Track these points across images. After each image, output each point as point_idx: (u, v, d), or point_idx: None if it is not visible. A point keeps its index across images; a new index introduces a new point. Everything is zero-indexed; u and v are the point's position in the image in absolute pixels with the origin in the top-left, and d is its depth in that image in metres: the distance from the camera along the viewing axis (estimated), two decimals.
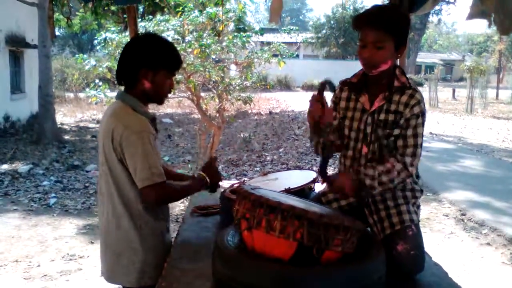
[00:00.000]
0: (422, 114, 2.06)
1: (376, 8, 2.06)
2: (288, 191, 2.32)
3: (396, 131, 2.05)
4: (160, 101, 2.20)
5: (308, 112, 2.05)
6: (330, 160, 2.35)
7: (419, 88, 2.12)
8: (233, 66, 7.45)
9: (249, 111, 16.43)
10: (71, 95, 20.38)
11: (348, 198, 2.22)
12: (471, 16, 3.02)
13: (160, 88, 2.13)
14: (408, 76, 2.16)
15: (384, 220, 2.07)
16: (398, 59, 2.18)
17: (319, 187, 2.65)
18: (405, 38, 2.05)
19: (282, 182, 2.63)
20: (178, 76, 6.19)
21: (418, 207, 2.21)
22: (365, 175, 2.00)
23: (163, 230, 2.22)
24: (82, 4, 12.43)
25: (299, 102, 21.48)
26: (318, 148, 2.22)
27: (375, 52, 1.99)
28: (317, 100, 1.99)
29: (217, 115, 7.31)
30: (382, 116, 2.07)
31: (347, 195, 2.06)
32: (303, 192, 2.44)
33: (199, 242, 2.30)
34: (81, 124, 14.62)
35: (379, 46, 1.98)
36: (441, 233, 5.66)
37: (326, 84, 2.03)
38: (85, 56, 7.15)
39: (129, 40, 2.26)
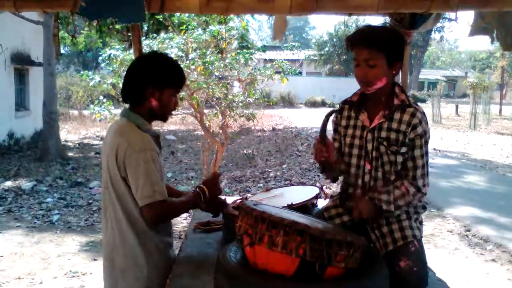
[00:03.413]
0: (425, 132, 2.10)
1: (366, 27, 2.11)
2: (291, 207, 2.32)
3: (403, 149, 2.07)
4: (165, 118, 2.22)
5: (314, 153, 2.12)
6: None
7: (422, 105, 2.16)
8: (236, 83, 7.48)
9: (252, 128, 16.45)
10: (76, 112, 20.48)
11: (351, 213, 2.22)
12: (473, 32, 3.03)
13: (166, 105, 2.15)
14: (410, 93, 2.19)
15: (387, 236, 2.07)
16: (400, 76, 2.21)
17: (322, 203, 2.65)
18: (397, 54, 2.08)
19: (284, 197, 2.63)
20: (181, 93, 6.23)
21: (421, 222, 2.20)
22: (380, 201, 2.02)
23: (167, 246, 2.22)
24: (87, 23, 12.56)
25: (302, 118, 21.53)
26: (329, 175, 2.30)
27: (368, 70, 2.04)
28: (320, 142, 2.05)
29: (220, 131, 7.32)
30: (383, 134, 2.09)
31: (364, 215, 2.06)
32: (305, 208, 2.44)
33: (201, 258, 2.30)
34: (85, 141, 14.66)
35: (371, 64, 2.03)
36: (445, 249, 5.62)
37: (331, 115, 2.08)
38: (90, 72, 7.20)
39: (133, 57, 2.29)
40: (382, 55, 2.02)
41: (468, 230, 6.30)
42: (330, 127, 2.11)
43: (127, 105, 2.21)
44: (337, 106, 2.33)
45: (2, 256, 5.23)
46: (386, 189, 2.06)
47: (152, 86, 2.10)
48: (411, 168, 2.08)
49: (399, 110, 2.09)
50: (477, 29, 3.05)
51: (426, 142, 2.11)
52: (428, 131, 2.12)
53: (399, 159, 2.08)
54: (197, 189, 2.25)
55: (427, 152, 2.12)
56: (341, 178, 2.35)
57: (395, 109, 2.10)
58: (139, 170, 2.00)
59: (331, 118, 2.15)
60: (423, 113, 2.12)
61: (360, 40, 2.05)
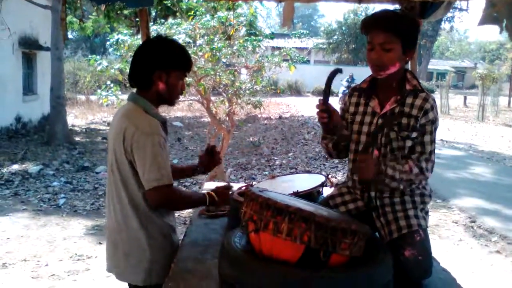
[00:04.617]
0: (436, 119, 2.09)
1: (383, 11, 2.09)
2: (296, 194, 2.32)
3: (413, 134, 2.06)
4: (172, 102, 2.23)
5: (317, 116, 2.11)
6: (340, 165, 2.40)
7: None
8: (243, 70, 7.46)
9: (259, 116, 16.43)
10: (83, 97, 20.54)
11: (356, 201, 2.22)
12: (482, 21, 2.99)
13: (173, 89, 2.16)
14: (419, 81, 2.17)
15: (392, 223, 2.07)
16: (410, 65, 2.19)
17: (327, 191, 2.64)
18: (412, 41, 2.07)
19: (290, 185, 2.63)
20: (188, 79, 6.22)
21: (427, 212, 2.19)
22: (387, 166, 2.00)
23: (170, 230, 2.23)
24: (95, 8, 12.54)
25: (309, 107, 21.46)
26: (329, 146, 2.28)
27: (382, 54, 2.02)
28: (322, 107, 2.05)
29: (227, 118, 7.32)
30: (394, 119, 2.07)
31: (364, 175, 2.00)
32: (311, 195, 2.44)
33: (206, 243, 2.31)
34: (92, 126, 14.72)
35: (386, 48, 2.01)
36: (450, 240, 5.62)
37: (335, 75, 2.07)
38: (97, 57, 7.19)
39: (140, 43, 2.28)
40: (398, 40, 2.00)
41: (473, 221, 6.29)
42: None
43: (134, 90, 2.21)
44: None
45: (8, 238, 5.28)
46: (392, 164, 2.03)
47: (160, 69, 2.10)
48: (418, 152, 2.07)
49: (411, 95, 2.08)
50: (487, 18, 3.01)
51: (436, 129, 2.10)
52: (438, 119, 2.11)
53: (408, 143, 2.07)
54: (207, 194, 2.26)
55: (435, 140, 2.10)
56: (345, 169, 2.35)
57: (407, 94, 2.08)
58: (146, 153, 2.01)
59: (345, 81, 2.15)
60: (434, 100, 2.10)
61: (377, 23, 2.03)
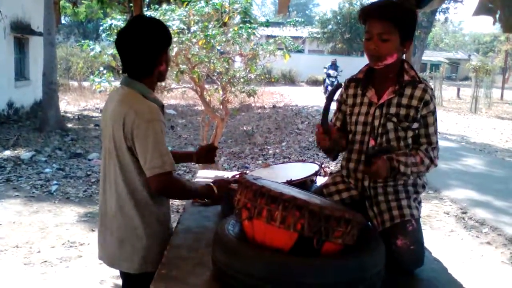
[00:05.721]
0: (435, 109, 2.11)
1: (382, 1, 2.06)
2: (290, 183, 2.32)
3: (415, 125, 2.07)
4: (165, 77, 2.28)
5: (316, 140, 2.13)
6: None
7: None
8: (238, 58, 7.42)
9: (253, 105, 16.41)
10: (75, 83, 20.37)
11: (350, 190, 2.22)
12: (477, 12, 2.98)
13: (168, 63, 2.22)
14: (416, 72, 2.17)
15: (384, 213, 2.07)
16: (405, 56, 2.18)
17: (321, 180, 2.64)
18: (411, 32, 2.06)
19: (284, 174, 2.62)
20: (182, 67, 6.18)
21: (420, 202, 2.20)
22: (399, 162, 1.99)
23: (166, 218, 2.23)
24: None
25: (303, 96, 21.44)
26: (329, 155, 2.30)
27: (380, 44, 2.00)
28: (322, 133, 2.05)
29: (221, 107, 7.29)
30: (392, 110, 2.07)
31: (379, 177, 2.00)
32: (304, 184, 2.44)
33: (199, 231, 2.30)
34: (85, 113, 14.63)
35: (384, 38, 1.99)
36: (441, 231, 5.66)
37: (336, 91, 2.07)
38: (91, 42, 7.11)
39: (124, 28, 2.22)
40: (396, 30, 1.99)
41: (465, 213, 6.33)
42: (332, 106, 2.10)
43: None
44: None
45: (0, 224, 5.26)
46: (404, 151, 2.04)
47: (162, 53, 2.12)
48: (424, 143, 2.10)
49: (410, 86, 2.07)
50: (482, 8, 3.00)
51: (436, 119, 2.12)
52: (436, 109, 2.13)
53: (409, 134, 2.08)
54: (207, 187, 2.25)
55: (437, 129, 2.13)
56: (341, 155, 2.34)
57: (406, 84, 2.08)
58: (148, 140, 1.98)
59: (337, 94, 2.14)
60: (432, 90, 2.11)
61: (376, 12, 2.01)
